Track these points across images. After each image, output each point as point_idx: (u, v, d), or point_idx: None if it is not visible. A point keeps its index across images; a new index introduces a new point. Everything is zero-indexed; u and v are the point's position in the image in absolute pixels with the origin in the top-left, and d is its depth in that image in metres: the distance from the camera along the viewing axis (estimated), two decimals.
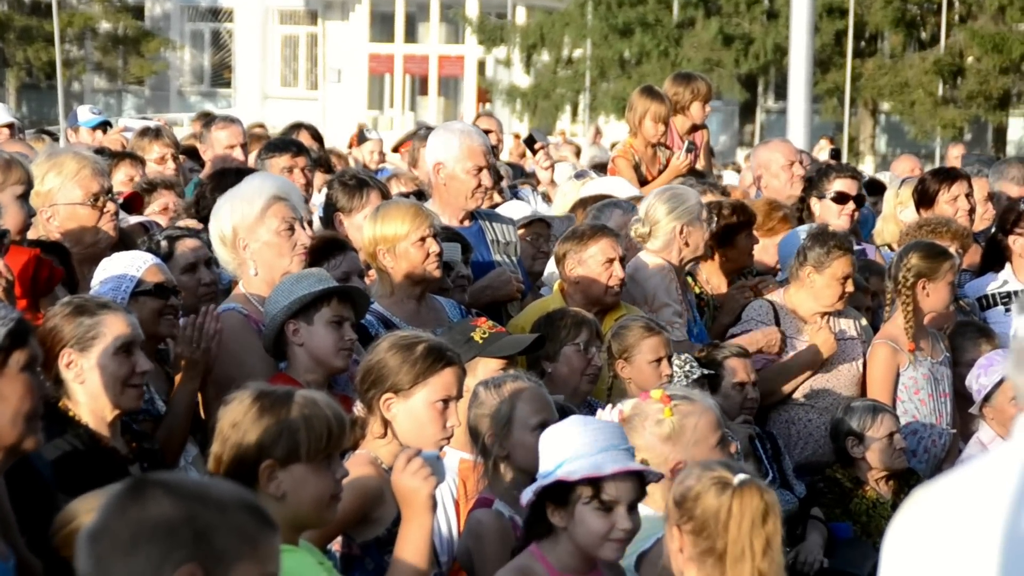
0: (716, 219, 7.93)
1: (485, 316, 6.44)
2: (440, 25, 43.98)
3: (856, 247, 8.87)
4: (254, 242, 6.17)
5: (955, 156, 19.53)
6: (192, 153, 11.03)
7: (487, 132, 8.98)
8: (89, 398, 5.05)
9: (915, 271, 7.81)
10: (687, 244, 7.64)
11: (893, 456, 7.37)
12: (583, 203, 8.87)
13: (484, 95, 42.54)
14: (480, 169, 7.65)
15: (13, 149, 7.65)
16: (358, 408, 5.17)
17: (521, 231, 8.11)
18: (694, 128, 10.83)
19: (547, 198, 12.08)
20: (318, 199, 9.09)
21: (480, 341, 5.98)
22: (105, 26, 43.32)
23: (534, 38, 39.68)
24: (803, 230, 8.21)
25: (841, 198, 9.12)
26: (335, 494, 4.12)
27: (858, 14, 34.59)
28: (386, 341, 5.18)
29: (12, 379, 4.04)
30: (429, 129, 10.65)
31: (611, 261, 7.16)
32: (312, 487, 4.06)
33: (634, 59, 38.66)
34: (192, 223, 7.67)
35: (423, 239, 6.63)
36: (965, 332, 8.21)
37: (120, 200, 7.10)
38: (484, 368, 5.90)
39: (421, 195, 8.84)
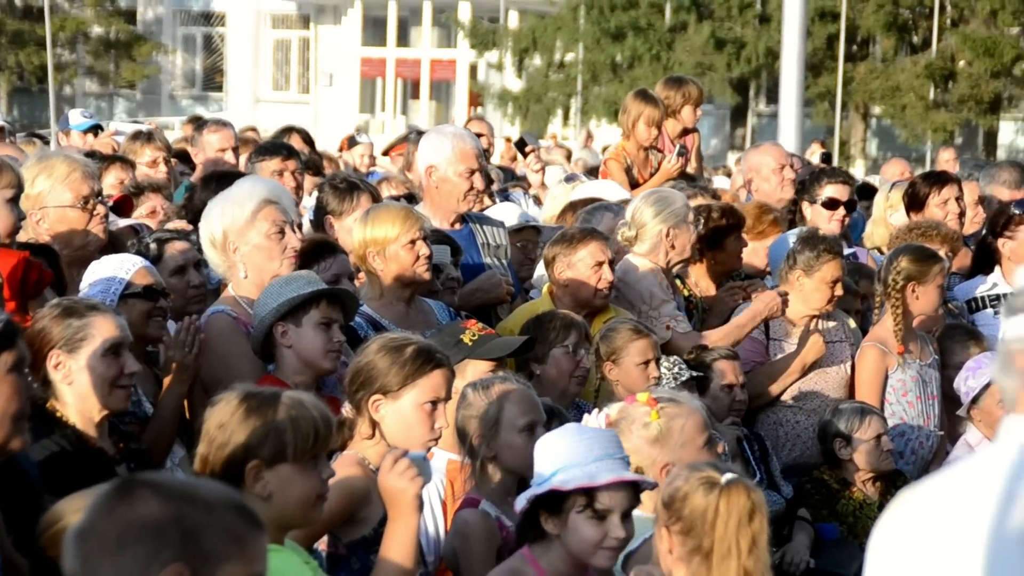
0: (703, 222, 7.94)
1: (474, 318, 6.46)
2: (432, 29, 43.98)
3: (847, 250, 8.89)
4: (244, 245, 6.18)
5: (946, 160, 19.57)
6: (183, 156, 11.03)
7: (478, 136, 8.99)
8: (77, 399, 5.06)
9: (905, 274, 7.82)
10: (673, 247, 7.64)
11: (880, 458, 7.39)
12: (573, 206, 8.88)
13: (476, 99, 42.53)
14: (472, 172, 7.65)
15: (3, 152, 7.67)
16: (346, 409, 5.18)
17: (511, 238, 8.12)
18: (685, 132, 10.86)
19: (538, 201, 12.10)
20: (308, 202, 9.09)
21: (469, 343, 5.99)
22: (97, 30, 43.29)
23: (526, 42, 39.66)
24: (793, 234, 8.22)
25: (832, 204, 9.13)
26: (321, 494, 4.13)
27: (850, 18, 34.60)
28: (375, 343, 5.19)
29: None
30: (420, 133, 10.66)
31: (600, 264, 7.17)
32: (298, 487, 4.06)
33: (626, 63, 38.64)
34: (182, 225, 7.67)
35: (413, 242, 6.64)
36: (954, 335, 8.23)
37: (110, 203, 7.10)
38: (473, 370, 5.91)
39: (412, 198, 8.85)
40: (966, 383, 7.48)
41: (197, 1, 45.78)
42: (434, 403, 5.07)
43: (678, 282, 7.99)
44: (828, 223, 8.98)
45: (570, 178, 11.33)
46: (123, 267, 5.98)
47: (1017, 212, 8.97)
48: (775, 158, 9.71)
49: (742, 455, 7.21)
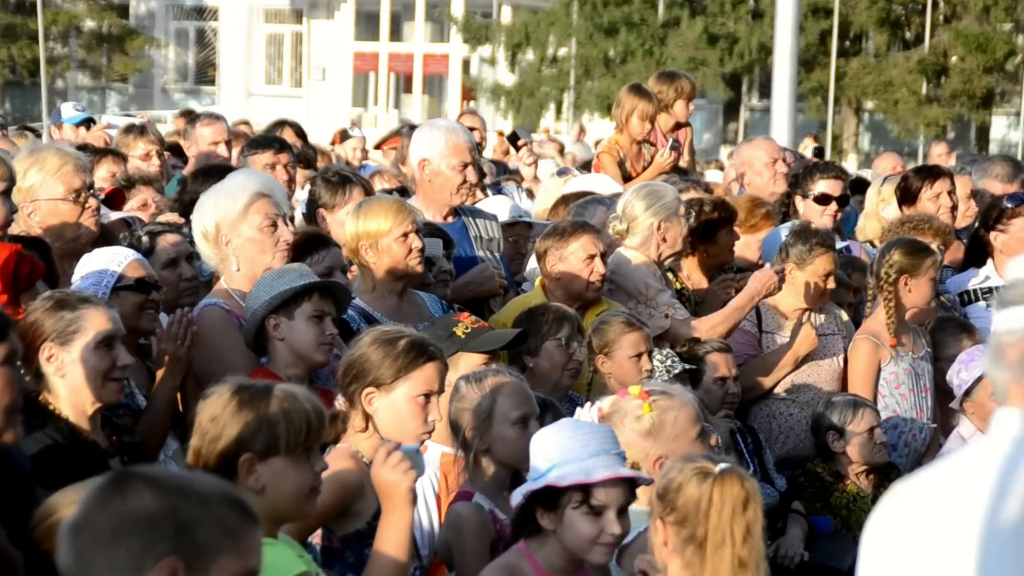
0: (695, 215, 7.93)
1: (467, 311, 6.45)
2: (425, 24, 43.95)
3: (841, 244, 8.89)
4: (237, 238, 6.18)
5: (938, 154, 19.59)
6: (176, 150, 11.02)
7: (471, 129, 8.99)
8: (70, 392, 5.06)
9: (897, 267, 7.82)
10: (665, 240, 7.64)
11: (873, 450, 7.39)
12: (565, 200, 8.88)
13: (469, 93, 42.53)
14: (465, 165, 7.65)
15: None
16: (340, 402, 5.17)
17: (502, 232, 8.11)
18: (678, 126, 10.86)
19: (531, 195, 12.10)
20: (301, 195, 9.09)
21: (462, 336, 5.99)
22: (89, 24, 43.25)
23: (519, 37, 39.66)
24: (785, 228, 8.23)
25: (824, 199, 9.13)
26: (314, 487, 4.12)
27: (843, 14, 34.62)
28: (368, 336, 5.18)
29: None
30: (413, 127, 10.65)
31: (592, 257, 7.16)
32: (291, 480, 4.06)
33: (619, 58, 38.65)
34: (174, 218, 7.67)
35: (405, 235, 6.63)
36: (946, 328, 8.24)
37: (102, 196, 7.10)
38: (466, 363, 5.91)
39: (404, 191, 8.85)
40: (959, 376, 7.50)
41: None
42: (427, 396, 5.06)
43: (670, 275, 7.98)
44: (820, 218, 8.99)
45: (562, 172, 11.32)
46: (115, 260, 5.98)
47: (1010, 206, 8.99)
48: (767, 152, 9.71)
49: (735, 448, 7.22)
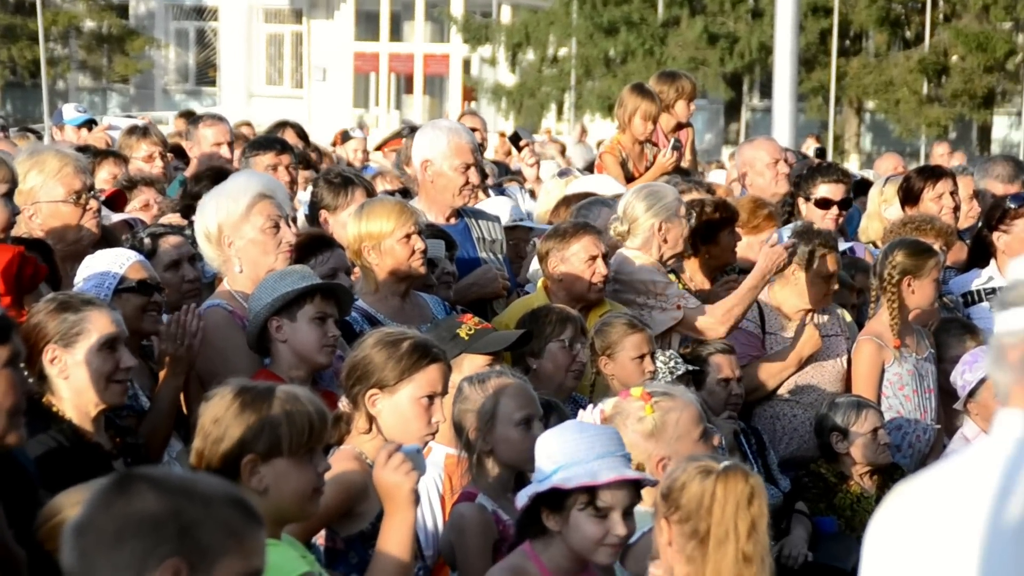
0: (696, 216, 7.92)
1: (471, 313, 6.45)
2: (425, 24, 43.97)
3: (845, 245, 8.89)
4: (239, 239, 6.17)
5: (940, 154, 19.59)
6: (177, 151, 11.02)
7: (472, 131, 8.99)
8: (73, 394, 5.06)
9: (900, 268, 7.82)
10: (666, 241, 7.63)
11: (877, 451, 7.39)
12: (566, 201, 8.88)
13: (469, 94, 42.53)
14: (468, 167, 7.65)
15: None
16: (343, 404, 5.17)
17: None
18: (679, 126, 10.86)
19: (534, 195, 12.11)
20: (303, 196, 9.09)
21: (466, 338, 5.99)
22: (90, 24, 43.26)
23: (519, 37, 39.68)
24: (788, 229, 8.21)
25: (824, 203, 9.12)
26: (317, 488, 4.12)
27: (843, 13, 34.64)
28: (372, 337, 5.18)
29: None
30: (414, 129, 10.66)
31: (594, 258, 7.15)
32: (294, 481, 4.06)
33: (619, 58, 38.66)
34: (176, 219, 7.67)
35: (408, 236, 6.63)
36: (950, 328, 8.24)
37: (103, 198, 7.10)
38: (470, 364, 5.91)
39: (406, 193, 8.85)
40: (962, 377, 7.49)
41: None
42: (431, 397, 5.06)
43: (672, 276, 7.98)
44: (821, 221, 8.97)
45: (563, 173, 11.33)
46: (117, 262, 5.98)
47: (1013, 206, 8.98)
48: (769, 152, 9.71)
49: (739, 449, 7.21)
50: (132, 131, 10.09)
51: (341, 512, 4.86)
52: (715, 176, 15.63)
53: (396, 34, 44.66)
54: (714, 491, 4.15)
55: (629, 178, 10.03)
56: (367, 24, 44.47)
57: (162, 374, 5.84)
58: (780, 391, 7.80)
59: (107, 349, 5.08)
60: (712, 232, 8.24)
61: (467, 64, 43.54)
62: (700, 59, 37.32)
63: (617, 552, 4.59)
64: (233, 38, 44.57)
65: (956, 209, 9.31)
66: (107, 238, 6.59)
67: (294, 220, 6.48)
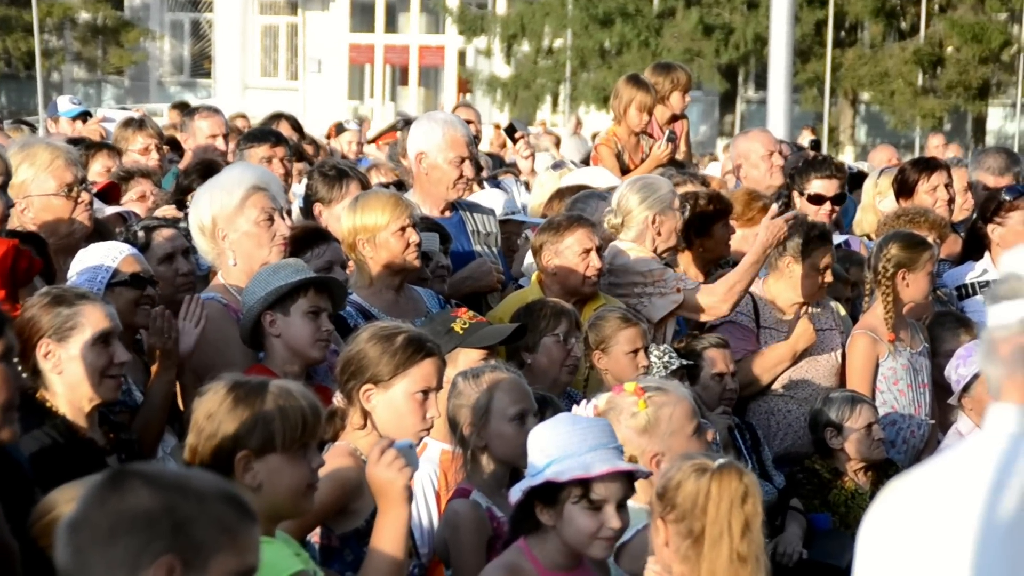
0: (690, 209, 7.92)
1: (465, 306, 6.44)
2: (420, 15, 43.90)
3: (840, 238, 8.88)
4: (233, 232, 6.16)
5: (935, 146, 19.58)
6: (172, 144, 11.01)
7: (467, 122, 8.98)
8: (67, 389, 5.05)
9: (895, 261, 7.82)
10: (660, 233, 7.63)
11: (871, 447, 7.39)
12: (560, 194, 8.87)
13: (465, 85, 42.48)
14: (463, 160, 7.65)
15: None
16: (338, 399, 5.17)
17: None
18: (674, 118, 10.85)
19: (530, 188, 12.09)
20: (298, 189, 9.08)
21: (460, 332, 5.98)
22: (84, 16, 43.17)
23: (514, 28, 39.60)
24: None
25: (817, 199, 9.11)
26: (311, 484, 4.11)
27: (838, 4, 34.59)
28: (366, 332, 5.17)
29: None
30: (408, 122, 10.64)
31: (588, 251, 7.13)
32: (288, 477, 4.05)
33: (614, 49, 38.60)
34: (172, 211, 7.67)
35: (403, 229, 6.63)
36: (944, 322, 8.24)
37: (95, 190, 7.08)
38: (465, 358, 5.90)
39: (401, 185, 8.84)
40: (957, 371, 7.48)
41: None
42: (425, 392, 5.05)
43: None
44: (815, 217, 8.97)
45: (557, 165, 11.32)
46: (110, 255, 5.97)
47: (1008, 198, 8.98)
48: (764, 144, 9.71)
49: (733, 444, 7.21)
50: (128, 123, 10.08)
51: (336, 509, 4.85)
52: (710, 169, 15.64)
53: (391, 26, 44.59)
54: (708, 490, 4.15)
55: (625, 170, 10.03)
56: (362, 15, 44.42)
57: (154, 369, 5.84)
58: (774, 386, 7.80)
59: (101, 344, 5.07)
60: (706, 225, 8.23)
61: (462, 56, 43.49)
62: (695, 50, 37.27)
63: (611, 545, 4.59)
64: (228, 30, 44.49)
65: (951, 201, 9.31)
66: (100, 231, 6.57)
67: (289, 213, 6.47)
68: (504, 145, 15.07)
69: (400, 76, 44.58)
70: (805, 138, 20.08)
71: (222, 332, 5.97)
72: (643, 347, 6.72)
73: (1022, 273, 3.17)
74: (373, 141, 15.21)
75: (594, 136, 17.87)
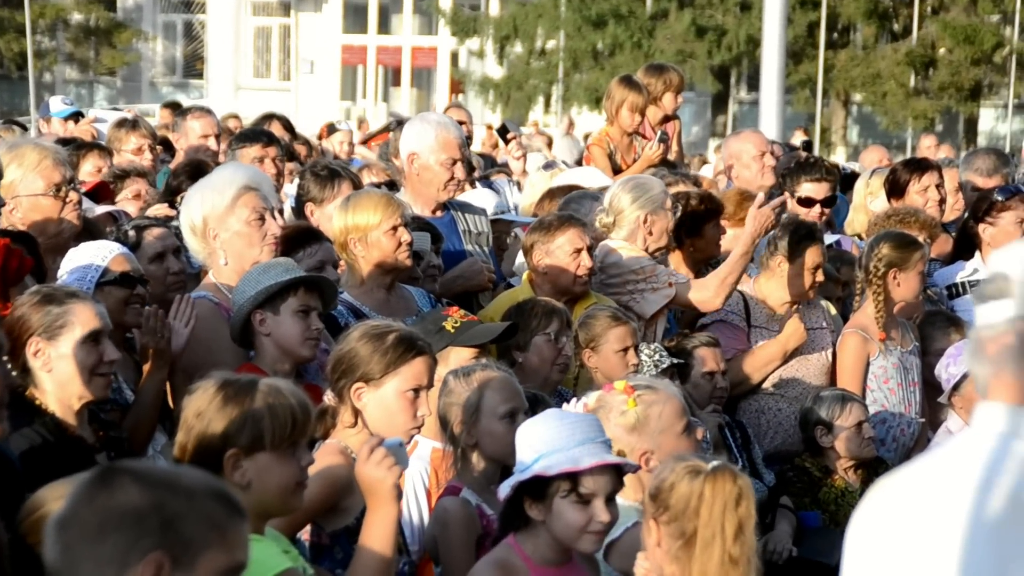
0: (681, 208, 7.93)
1: (456, 305, 6.45)
2: (413, 16, 43.90)
3: (832, 238, 8.89)
4: (224, 232, 6.16)
5: (927, 146, 19.60)
6: (164, 144, 11.00)
7: (459, 123, 8.98)
8: (56, 387, 5.05)
9: (886, 261, 7.83)
10: (651, 233, 7.64)
11: (862, 445, 7.39)
12: (551, 194, 8.88)
13: (457, 86, 42.47)
14: (454, 162, 7.65)
15: None
16: (329, 397, 5.17)
17: None
18: (666, 119, 10.86)
19: (521, 188, 12.09)
20: (289, 189, 9.08)
21: (452, 330, 5.99)
22: (77, 17, 43.13)
23: (507, 29, 39.61)
24: None
25: (807, 202, 9.11)
26: (300, 482, 4.12)
27: (831, 6, 34.64)
28: (357, 331, 5.18)
29: None
30: (401, 123, 10.65)
31: (579, 251, 7.14)
32: (277, 475, 4.06)
33: (607, 51, 38.60)
34: (165, 209, 7.67)
35: (395, 228, 6.63)
36: (935, 321, 8.25)
37: (85, 190, 7.08)
38: (456, 357, 5.91)
39: (393, 185, 8.84)
40: (947, 370, 7.50)
41: None
42: (416, 391, 5.06)
43: None
44: (805, 219, 8.97)
45: (548, 166, 11.32)
46: (100, 254, 5.97)
47: (1000, 199, 8.99)
48: (756, 145, 9.71)
49: (724, 442, 7.21)
50: (121, 123, 10.07)
51: (326, 507, 4.85)
52: (702, 171, 15.64)
53: (384, 27, 44.58)
54: (702, 492, 4.15)
55: (617, 170, 10.04)
56: (355, 17, 44.40)
57: (145, 368, 5.83)
58: (765, 385, 7.80)
59: (91, 342, 5.08)
60: (697, 225, 8.24)
61: (455, 57, 43.48)
62: (688, 52, 37.28)
63: (601, 539, 4.59)
64: (221, 31, 44.46)
65: (942, 202, 9.31)
66: (91, 231, 6.56)
67: (280, 213, 6.47)
68: (496, 146, 15.10)
69: (393, 77, 44.57)
70: (797, 139, 20.07)
71: (213, 331, 5.97)
72: (633, 345, 6.73)
73: (1009, 273, 3.17)
74: (365, 142, 15.20)
75: (586, 137, 17.85)
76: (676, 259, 8.27)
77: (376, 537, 4.35)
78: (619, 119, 10.28)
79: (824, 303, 8.15)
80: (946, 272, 9.07)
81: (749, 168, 9.58)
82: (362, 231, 6.63)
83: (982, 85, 38.22)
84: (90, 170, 8.65)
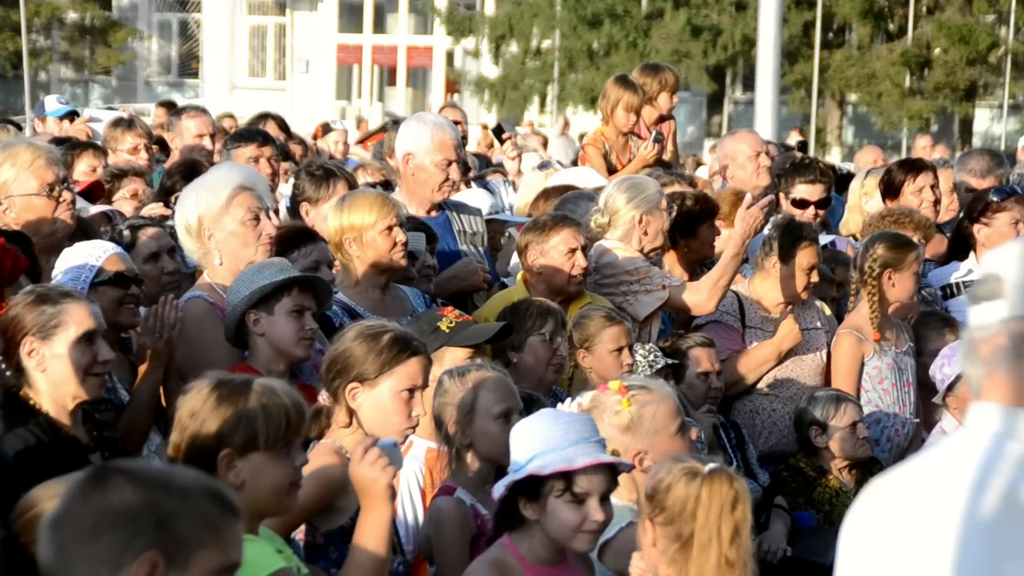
0: (676, 208, 7.93)
1: (451, 306, 6.45)
2: (409, 16, 43.90)
3: (827, 239, 8.89)
4: (219, 232, 6.16)
5: (922, 147, 19.61)
6: (160, 143, 11.00)
7: (454, 123, 8.98)
8: (50, 387, 5.05)
9: (881, 261, 7.83)
10: (647, 233, 7.64)
11: (856, 445, 7.40)
12: (546, 194, 8.88)
13: (453, 86, 42.48)
14: (450, 163, 7.65)
15: None
16: (323, 397, 5.17)
17: None
18: (662, 119, 10.86)
19: (517, 188, 12.09)
20: (285, 189, 9.08)
21: (447, 330, 5.99)
22: (72, 16, 43.12)
23: (503, 29, 39.61)
24: (769, 222, 8.21)
25: (801, 204, 9.12)
26: (294, 482, 4.12)
27: (826, 6, 34.65)
28: (352, 331, 5.18)
29: None
30: (396, 123, 10.64)
31: (573, 251, 7.14)
32: (271, 475, 4.05)
33: (603, 50, 38.61)
34: (160, 209, 7.66)
35: (390, 228, 6.63)
36: (929, 322, 8.25)
37: (79, 189, 7.07)
38: (451, 357, 5.91)
39: (388, 185, 8.84)
40: (941, 370, 7.50)
41: None
42: (411, 391, 5.06)
43: None
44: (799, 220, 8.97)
45: (543, 165, 11.32)
46: (94, 254, 5.96)
47: (995, 199, 8.99)
48: (751, 145, 9.71)
49: (718, 443, 7.22)
50: (117, 123, 10.07)
51: (321, 506, 4.85)
52: (697, 173, 15.64)
53: (379, 26, 44.58)
54: (699, 494, 4.15)
55: (612, 170, 10.04)
56: (350, 16, 44.41)
57: (141, 368, 5.83)
58: (760, 385, 7.80)
59: (85, 342, 5.07)
60: (692, 225, 8.24)
61: (450, 56, 43.48)
62: (683, 51, 37.29)
63: (595, 538, 4.59)
64: (216, 30, 44.45)
65: (937, 202, 9.32)
66: (85, 230, 6.56)
67: (276, 212, 6.46)
68: (491, 145, 15.08)
69: (388, 76, 44.57)
70: (793, 139, 20.09)
71: (207, 331, 5.97)
72: (627, 345, 6.73)
73: (1002, 274, 3.18)
74: (361, 142, 15.19)
75: (582, 137, 17.87)
76: (671, 259, 8.27)
77: (370, 537, 4.35)
78: (614, 119, 10.28)
79: (819, 304, 8.15)
80: (941, 273, 9.07)
81: (744, 168, 9.59)
82: (357, 231, 6.63)
83: (977, 85, 38.24)
84: (85, 170, 8.65)
